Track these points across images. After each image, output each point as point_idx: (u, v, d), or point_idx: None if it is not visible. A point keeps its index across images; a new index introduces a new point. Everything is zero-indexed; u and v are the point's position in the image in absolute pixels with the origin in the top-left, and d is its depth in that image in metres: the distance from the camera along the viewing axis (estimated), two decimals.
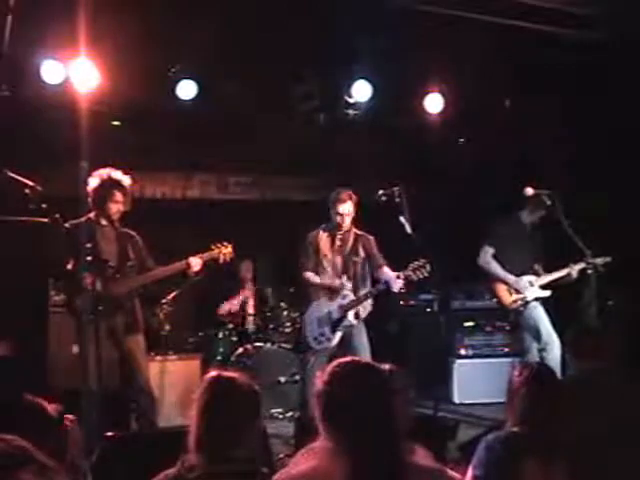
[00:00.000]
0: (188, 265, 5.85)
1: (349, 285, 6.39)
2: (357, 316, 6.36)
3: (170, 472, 2.64)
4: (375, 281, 6.44)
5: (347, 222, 6.41)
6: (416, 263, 6.17)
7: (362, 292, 6.38)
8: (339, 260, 6.45)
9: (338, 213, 6.34)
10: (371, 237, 6.55)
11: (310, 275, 6.44)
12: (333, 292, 6.39)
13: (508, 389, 3.41)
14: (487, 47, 7.06)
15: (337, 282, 6.37)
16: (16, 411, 2.67)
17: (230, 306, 8.35)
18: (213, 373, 2.78)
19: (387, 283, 6.23)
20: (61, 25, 6.18)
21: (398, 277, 6.18)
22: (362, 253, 6.48)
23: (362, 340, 6.36)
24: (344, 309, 6.30)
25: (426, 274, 6.18)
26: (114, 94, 6.92)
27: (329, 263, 6.44)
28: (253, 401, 2.75)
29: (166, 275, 5.92)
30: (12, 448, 1.95)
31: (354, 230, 6.52)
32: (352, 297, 6.34)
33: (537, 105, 7.75)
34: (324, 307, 6.37)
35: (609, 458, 3.12)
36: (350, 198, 6.34)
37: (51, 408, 2.76)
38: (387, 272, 6.34)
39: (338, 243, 6.46)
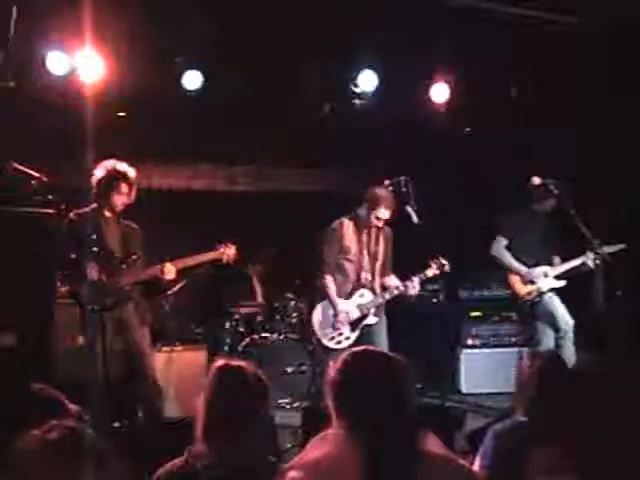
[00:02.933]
0: (162, 271, 5.73)
1: (363, 285, 6.28)
2: (377, 314, 6.28)
3: (177, 462, 2.64)
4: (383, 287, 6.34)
5: (378, 225, 6.22)
6: (437, 262, 6.17)
7: (382, 290, 6.30)
8: (365, 255, 6.28)
9: (377, 216, 6.13)
10: (389, 230, 6.39)
11: (329, 283, 6.22)
12: (353, 289, 6.26)
13: (518, 379, 3.40)
14: (493, 36, 7.05)
15: (343, 306, 6.19)
16: (35, 402, 2.68)
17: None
18: (220, 362, 2.77)
19: (406, 288, 6.18)
20: (66, 16, 6.18)
21: (412, 281, 6.16)
22: (382, 245, 6.35)
23: (381, 337, 6.27)
24: (363, 309, 6.23)
25: (447, 270, 6.19)
26: (120, 85, 6.91)
27: (354, 257, 6.25)
28: (261, 390, 2.75)
29: (142, 279, 5.81)
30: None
31: None
32: (371, 296, 6.26)
33: (544, 95, 7.73)
34: (340, 306, 6.21)
35: (618, 450, 3.11)
36: (392, 207, 6.13)
37: (72, 408, 2.77)
38: (392, 277, 6.36)
39: (365, 237, 6.28)
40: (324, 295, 6.27)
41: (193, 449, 2.64)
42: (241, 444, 2.61)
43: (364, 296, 6.26)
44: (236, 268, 8.25)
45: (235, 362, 2.78)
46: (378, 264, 6.33)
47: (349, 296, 6.25)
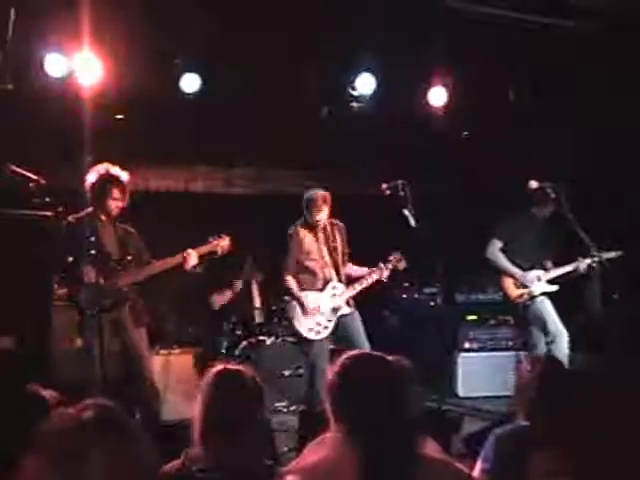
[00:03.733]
0: (185, 258, 5.80)
1: (335, 279, 6.51)
2: (349, 303, 6.49)
3: (174, 464, 2.63)
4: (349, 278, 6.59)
5: (322, 224, 6.49)
6: (394, 256, 6.51)
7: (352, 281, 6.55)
8: (325, 252, 6.54)
9: (314, 219, 6.42)
10: (342, 224, 6.65)
11: (291, 282, 6.48)
12: (324, 284, 6.47)
13: (517, 383, 3.40)
14: (491, 39, 7.06)
15: (313, 305, 6.41)
16: (21, 403, 2.67)
17: (222, 299, 8.31)
18: (219, 366, 2.78)
19: (380, 273, 6.49)
20: (64, 18, 6.18)
21: (380, 268, 6.50)
22: (339, 240, 6.58)
23: (358, 326, 6.46)
24: (336, 300, 6.41)
25: (404, 265, 6.51)
26: (118, 87, 6.91)
27: (316, 256, 6.50)
28: (258, 393, 2.75)
29: (164, 268, 5.84)
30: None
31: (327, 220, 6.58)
32: (343, 288, 6.46)
33: (542, 98, 7.74)
34: (315, 299, 6.43)
35: (619, 453, 3.10)
36: (325, 203, 6.39)
37: (48, 395, 2.75)
38: (354, 268, 6.64)
39: (321, 234, 6.54)
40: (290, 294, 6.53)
41: (190, 452, 2.64)
42: (239, 448, 2.61)
43: (336, 288, 6.47)
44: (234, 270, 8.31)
45: (232, 367, 2.79)
46: (339, 258, 6.55)
47: (321, 290, 6.46)
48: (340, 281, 6.50)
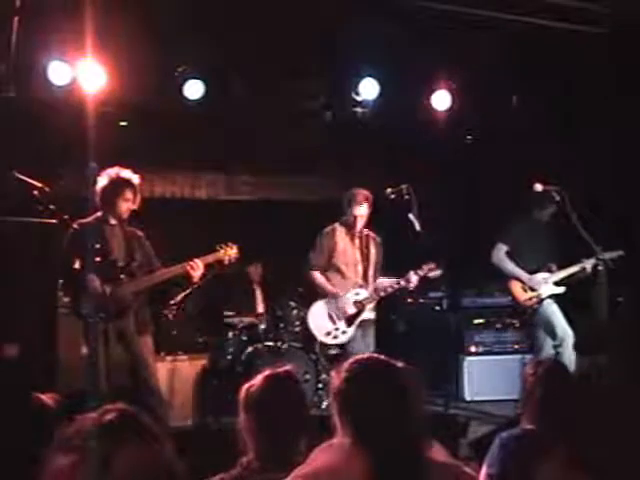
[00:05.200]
0: (191, 267, 5.78)
1: (360, 284, 6.47)
2: (371, 310, 6.47)
3: (230, 474, 2.65)
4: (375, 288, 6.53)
5: (361, 224, 6.44)
6: (429, 265, 6.32)
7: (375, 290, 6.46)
8: (358, 257, 6.52)
9: (353, 214, 6.37)
10: (378, 238, 6.63)
11: (318, 275, 6.48)
12: (350, 288, 6.44)
13: (523, 387, 3.39)
14: (495, 44, 7.06)
15: (341, 293, 6.41)
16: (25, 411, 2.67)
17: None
18: (272, 372, 2.78)
19: (407, 280, 6.34)
20: (68, 26, 6.20)
21: (409, 279, 6.33)
22: (374, 251, 6.55)
23: (369, 339, 6.49)
24: (358, 305, 6.38)
25: (439, 273, 6.36)
26: (121, 94, 6.92)
27: (349, 260, 6.49)
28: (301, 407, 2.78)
29: (168, 277, 5.82)
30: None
31: (364, 229, 6.55)
32: (366, 294, 6.41)
33: (544, 103, 7.74)
34: (336, 303, 6.40)
35: (625, 457, 3.09)
36: (366, 200, 6.37)
37: (48, 397, 2.75)
38: (383, 280, 6.55)
39: (357, 242, 6.52)
40: (317, 291, 6.52)
41: (245, 461, 2.66)
42: (299, 452, 2.64)
43: (359, 294, 6.43)
44: (239, 276, 8.31)
45: (289, 370, 2.82)
46: (371, 267, 6.52)
47: (346, 293, 6.43)
48: (365, 288, 6.47)
